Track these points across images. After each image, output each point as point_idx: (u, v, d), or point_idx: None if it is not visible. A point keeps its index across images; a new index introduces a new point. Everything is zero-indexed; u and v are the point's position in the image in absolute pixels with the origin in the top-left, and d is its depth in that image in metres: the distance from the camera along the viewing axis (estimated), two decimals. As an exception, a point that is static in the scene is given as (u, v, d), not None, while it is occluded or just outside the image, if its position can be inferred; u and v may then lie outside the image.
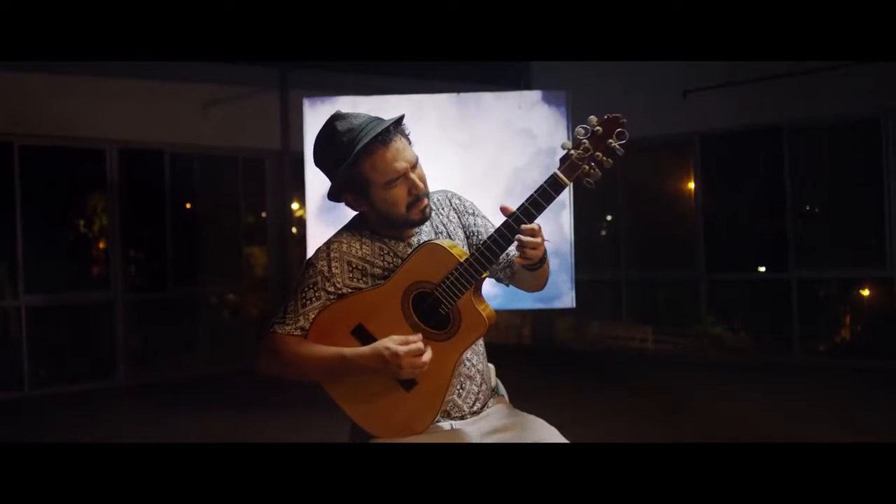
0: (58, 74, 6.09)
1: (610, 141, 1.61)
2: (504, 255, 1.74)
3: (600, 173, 1.62)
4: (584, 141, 1.62)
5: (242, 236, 7.58)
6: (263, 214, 7.64)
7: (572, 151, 1.63)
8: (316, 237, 5.11)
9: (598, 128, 1.61)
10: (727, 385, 5.86)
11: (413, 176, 1.74)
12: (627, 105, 7.26)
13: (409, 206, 1.75)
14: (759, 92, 6.47)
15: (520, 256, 1.67)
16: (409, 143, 1.77)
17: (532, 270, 1.76)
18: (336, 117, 1.78)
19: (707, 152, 7.14)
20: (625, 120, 1.61)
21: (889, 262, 6.27)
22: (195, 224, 7.21)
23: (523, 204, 1.64)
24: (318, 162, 1.82)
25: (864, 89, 6.17)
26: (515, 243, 1.66)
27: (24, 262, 6.15)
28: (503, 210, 1.65)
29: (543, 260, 1.73)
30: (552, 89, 5.54)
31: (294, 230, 7.49)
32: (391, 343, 1.66)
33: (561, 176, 1.63)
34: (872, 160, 6.33)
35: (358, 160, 1.71)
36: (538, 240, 1.65)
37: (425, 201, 1.77)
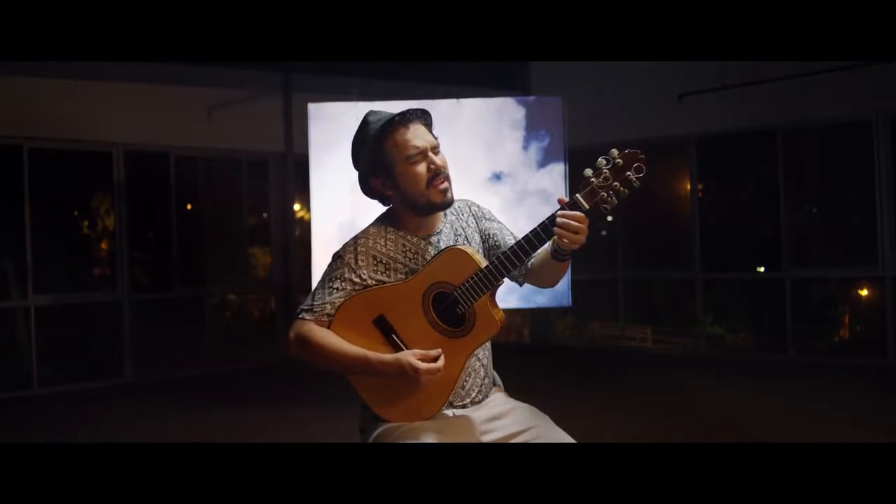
0: (66, 79, 6.19)
1: (629, 173, 1.73)
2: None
3: (616, 202, 1.74)
4: (605, 171, 1.73)
5: (245, 237, 7.68)
6: (266, 215, 7.74)
7: (593, 179, 1.74)
8: (320, 237, 5.20)
9: (618, 160, 1.73)
10: (724, 384, 5.91)
11: (432, 155, 1.89)
12: (625, 108, 7.37)
13: (429, 183, 1.88)
14: (754, 95, 6.57)
15: (566, 241, 1.76)
16: (434, 137, 1.93)
17: (561, 261, 1.87)
18: (369, 114, 1.96)
19: (703, 154, 7.23)
20: (644, 155, 1.73)
21: (881, 262, 6.37)
22: (200, 225, 7.30)
23: (543, 222, 1.77)
24: (355, 157, 1.98)
25: (857, 91, 6.26)
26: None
27: (33, 262, 6.25)
28: (560, 201, 1.77)
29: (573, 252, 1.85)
30: (551, 92, 5.64)
31: (296, 231, 7.59)
32: (413, 359, 1.79)
33: (581, 200, 1.75)
34: (865, 161, 6.41)
35: (381, 137, 1.88)
36: (584, 226, 1.76)
37: (446, 183, 1.91)
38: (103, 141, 6.59)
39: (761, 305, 7.15)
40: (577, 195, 1.75)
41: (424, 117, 1.93)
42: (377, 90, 6.42)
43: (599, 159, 1.74)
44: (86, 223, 6.94)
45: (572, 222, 1.73)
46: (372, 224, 1.99)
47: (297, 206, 7.63)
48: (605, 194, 1.73)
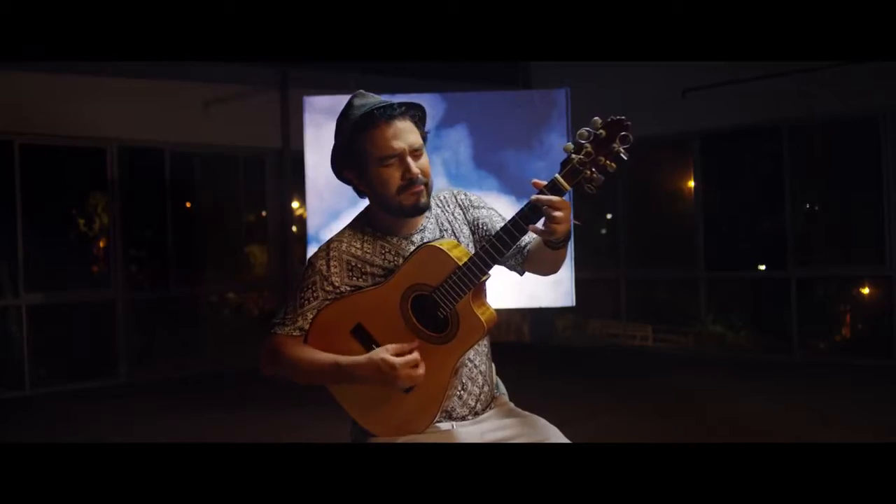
0: (58, 74, 6.09)
1: (614, 145, 1.53)
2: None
3: (602, 178, 1.55)
4: (587, 145, 1.54)
5: (243, 235, 7.59)
6: (263, 213, 7.66)
7: (574, 156, 1.55)
8: (317, 237, 5.12)
9: (601, 131, 1.53)
10: (726, 384, 5.87)
11: (409, 160, 1.70)
12: (627, 104, 7.31)
13: (400, 190, 1.71)
14: (759, 91, 6.48)
15: (547, 231, 1.60)
16: (422, 137, 1.75)
17: (554, 249, 1.69)
18: (356, 95, 1.77)
19: (706, 151, 7.15)
20: (629, 123, 1.53)
21: (888, 261, 6.29)
22: (196, 222, 7.22)
23: (521, 210, 1.60)
24: (336, 136, 1.79)
25: (863, 88, 6.19)
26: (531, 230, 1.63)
27: (25, 260, 6.15)
28: (535, 184, 1.60)
29: (567, 238, 1.67)
30: (551, 87, 5.55)
31: (294, 229, 7.50)
32: (387, 354, 1.64)
33: (561, 181, 1.56)
34: (871, 159, 6.34)
35: (358, 128, 1.70)
36: (565, 214, 1.58)
37: (420, 188, 1.72)
38: (97, 137, 6.50)
39: (765, 305, 7.08)
40: (557, 176, 1.56)
41: (414, 112, 1.72)
42: (375, 85, 6.32)
43: (580, 130, 1.54)
44: (82, 221, 6.85)
45: (551, 211, 1.56)
46: (347, 226, 1.83)
47: (295, 203, 7.54)
48: (589, 172, 1.53)
